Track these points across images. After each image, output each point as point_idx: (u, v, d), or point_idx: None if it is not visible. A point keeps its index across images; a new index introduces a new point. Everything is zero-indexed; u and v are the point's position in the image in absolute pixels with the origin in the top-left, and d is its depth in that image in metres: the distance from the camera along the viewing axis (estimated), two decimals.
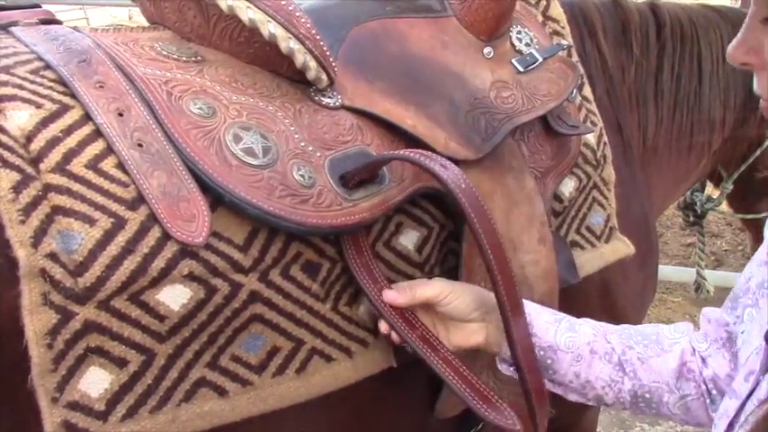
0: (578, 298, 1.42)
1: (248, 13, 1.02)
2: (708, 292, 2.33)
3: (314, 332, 1.04)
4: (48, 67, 0.98)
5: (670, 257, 4.41)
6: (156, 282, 0.89)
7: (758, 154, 1.92)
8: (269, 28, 1.03)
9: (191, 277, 0.91)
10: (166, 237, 0.89)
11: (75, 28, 1.11)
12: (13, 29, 1.09)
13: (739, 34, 0.89)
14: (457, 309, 1.05)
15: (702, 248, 2.29)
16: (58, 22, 1.16)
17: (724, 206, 2.20)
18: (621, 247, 1.48)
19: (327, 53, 1.08)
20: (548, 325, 1.07)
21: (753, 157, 1.92)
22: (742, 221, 2.21)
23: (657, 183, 1.75)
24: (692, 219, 2.19)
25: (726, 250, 4.49)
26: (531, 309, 1.08)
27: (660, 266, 3.80)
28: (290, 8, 1.05)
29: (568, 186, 1.42)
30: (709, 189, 2.20)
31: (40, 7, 1.20)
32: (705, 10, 1.82)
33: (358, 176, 1.03)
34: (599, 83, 1.61)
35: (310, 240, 1.03)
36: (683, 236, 4.56)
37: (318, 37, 1.07)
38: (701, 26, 1.77)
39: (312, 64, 1.06)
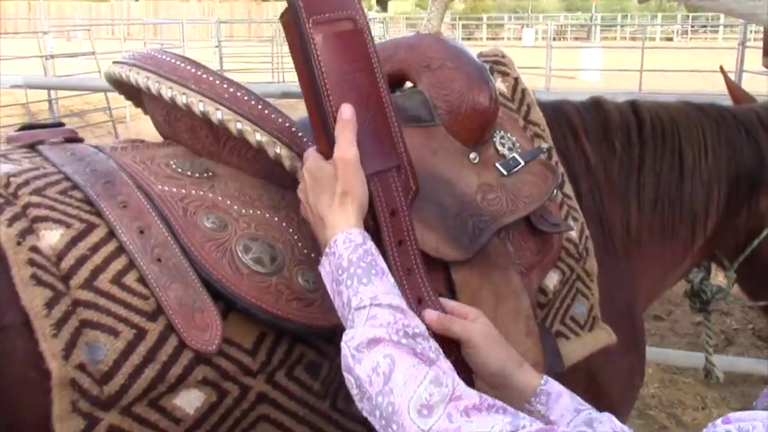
0: (565, 384, 1.50)
1: (256, 136, 1.14)
2: (717, 378, 2.35)
3: (314, 429, 1.12)
4: (75, 187, 1.08)
5: (680, 336, 4.36)
6: (174, 387, 0.98)
7: (755, 245, 1.98)
8: (275, 149, 1.14)
9: (204, 382, 1.00)
10: (183, 345, 0.99)
11: (96, 147, 1.22)
12: (40, 147, 1.20)
13: None
14: (474, 363, 1.08)
15: (710, 334, 2.32)
16: (80, 140, 1.27)
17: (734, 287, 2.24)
18: (604, 336, 1.56)
19: None
20: (565, 411, 1.07)
21: (751, 246, 1.97)
22: (761, 308, 2.25)
23: (643, 272, 1.81)
24: (698, 306, 2.25)
25: (736, 329, 4.44)
26: (560, 390, 1.09)
27: (669, 350, 3.82)
28: (293, 129, 1.17)
29: (552, 279, 1.51)
30: (721, 277, 2.26)
31: (64, 125, 1.31)
32: (687, 108, 1.91)
33: None
34: (582, 179, 1.70)
35: (312, 341, 1.12)
36: (694, 313, 4.53)
37: None
38: (681, 123, 1.85)
39: None
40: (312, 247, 1.15)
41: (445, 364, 0.93)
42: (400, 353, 0.90)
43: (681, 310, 4.59)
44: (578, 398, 1.08)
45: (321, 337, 1.12)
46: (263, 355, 1.06)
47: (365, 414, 0.92)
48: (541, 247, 1.47)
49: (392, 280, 1.01)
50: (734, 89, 2.15)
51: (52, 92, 9.98)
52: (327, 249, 1.01)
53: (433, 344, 0.96)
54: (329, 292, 1.02)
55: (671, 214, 1.83)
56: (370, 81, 1.09)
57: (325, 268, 1.02)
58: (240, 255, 1.07)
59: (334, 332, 1.09)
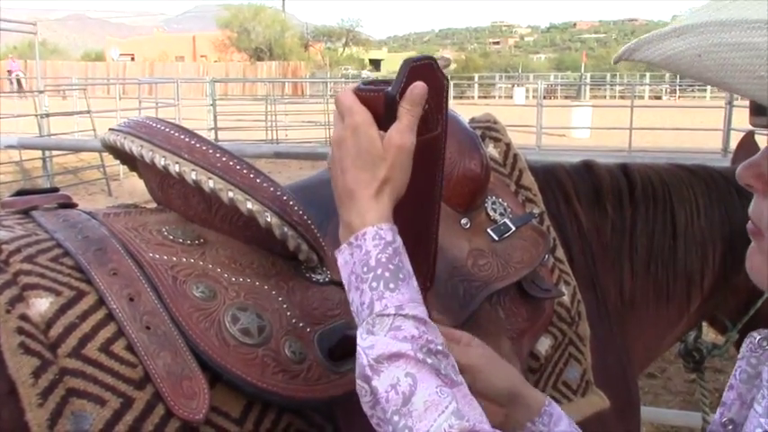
0: None
1: (247, 205, 1.14)
2: None
3: None
4: (67, 253, 1.08)
5: (674, 394, 4.33)
6: None
7: (759, 305, 1.97)
8: (265, 217, 1.15)
9: None
10: (170, 414, 0.97)
11: (89, 213, 1.23)
12: (33, 213, 1.20)
13: (755, 156, 0.93)
14: (482, 388, 1.06)
15: (705, 393, 2.30)
16: (74, 206, 1.28)
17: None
18: (597, 401, 1.55)
19: (318, 236, 1.20)
20: None
21: (755, 306, 1.96)
22: None
23: (637, 335, 1.80)
24: (692, 365, 2.23)
25: None
26: (560, 413, 1.10)
27: (664, 410, 3.76)
28: (285, 198, 1.18)
29: (544, 344, 1.51)
30: (714, 335, 2.25)
31: (58, 191, 1.32)
32: (677, 169, 1.92)
33: (339, 351, 1.13)
34: (574, 243, 1.71)
35: (300, 410, 1.11)
36: (687, 371, 4.50)
37: (310, 222, 1.19)
38: (672, 185, 1.86)
39: (304, 247, 1.18)
40: (300, 315, 1.15)
41: (465, 388, 0.91)
42: (423, 374, 0.88)
43: (674, 368, 4.55)
44: (574, 423, 1.10)
45: (308, 408, 1.11)
46: (250, 425, 1.05)
47: (374, 421, 0.90)
48: (533, 313, 1.47)
49: (416, 285, 0.97)
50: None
51: (46, 150, 10.05)
52: (353, 240, 0.96)
53: (452, 360, 0.93)
54: (344, 281, 0.98)
55: (665, 276, 1.83)
56: (430, 187, 1.09)
57: (346, 258, 0.97)
58: (228, 326, 1.07)
59: (318, 404, 1.10)
